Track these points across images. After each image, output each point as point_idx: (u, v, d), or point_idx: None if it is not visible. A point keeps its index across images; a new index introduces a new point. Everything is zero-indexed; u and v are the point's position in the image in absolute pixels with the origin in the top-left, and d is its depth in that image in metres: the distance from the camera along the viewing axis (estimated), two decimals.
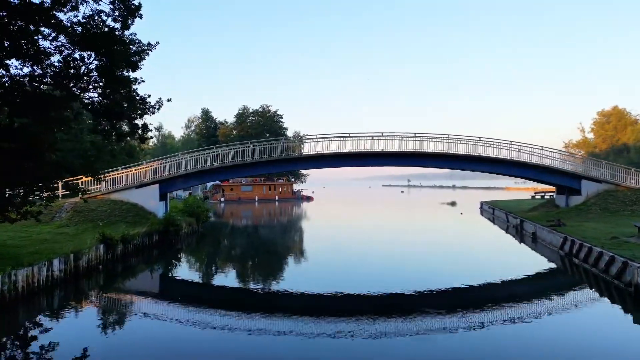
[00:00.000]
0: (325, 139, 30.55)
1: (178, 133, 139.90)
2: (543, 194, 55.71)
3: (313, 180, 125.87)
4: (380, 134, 30.28)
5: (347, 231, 36.56)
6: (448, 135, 30.50)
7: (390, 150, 29.97)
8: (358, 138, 30.63)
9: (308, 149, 31.43)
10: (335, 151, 30.00)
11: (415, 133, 30.26)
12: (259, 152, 29.67)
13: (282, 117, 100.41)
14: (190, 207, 32.39)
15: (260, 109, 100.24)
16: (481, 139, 30.53)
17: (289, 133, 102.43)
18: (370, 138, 30.67)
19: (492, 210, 44.42)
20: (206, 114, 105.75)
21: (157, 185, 28.14)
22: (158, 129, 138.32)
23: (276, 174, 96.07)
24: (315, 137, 30.64)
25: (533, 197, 56.08)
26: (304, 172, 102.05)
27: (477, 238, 32.33)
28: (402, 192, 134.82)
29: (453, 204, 64.61)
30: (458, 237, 32.14)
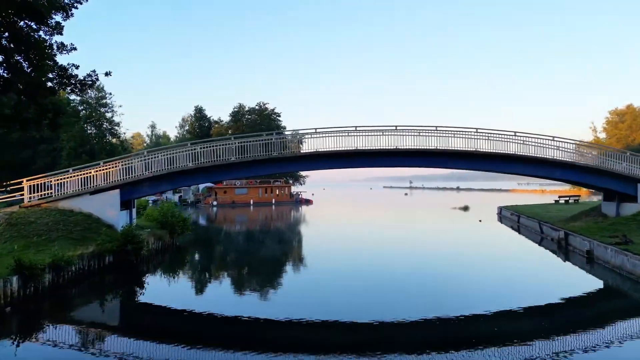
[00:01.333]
0: (327, 134, 25.01)
1: (173, 133, 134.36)
2: (567, 198, 50.32)
3: (312, 181, 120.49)
4: (394, 127, 24.73)
5: (355, 243, 31.11)
6: (477, 129, 24.97)
7: (408, 147, 24.42)
8: (366, 133, 25.09)
9: (307, 147, 25.93)
10: (338, 149, 24.47)
11: (436, 127, 24.73)
12: (246, 150, 24.11)
13: (279, 116, 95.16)
14: (164, 217, 26.82)
15: (256, 107, 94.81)
16: (517, 134, 25.02)
17: (287, 132, 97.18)
18: (381, 133, 25.12)
19: (517, 218, 38.85)
20: (199, 112, 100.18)
21: (117, 191, 22.59)
22: (151, 127, 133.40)
23: (272, 175, 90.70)
24: (314, 131, 25.11)
25: (556, 201, 50.69)
26: (303, 173, 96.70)
27: (508, 252, 26.88)
28: (406, 194, 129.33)
29: (466, 208, 59.09)
30: (486, 252, 26.71)
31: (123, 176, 22.92)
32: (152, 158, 23.33)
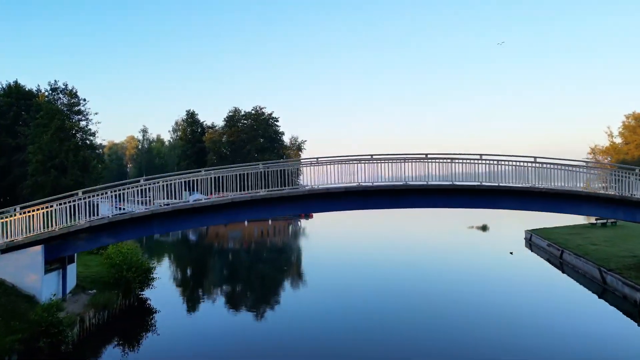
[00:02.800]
0: (333, 163, 18.68)
1: (168, 137, 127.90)
2: (605, 220, 43.80)
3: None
4: (424, 156, 18.31)
5: (364, 279, 26.04)
6: (535, 158, 18.54)
7: (441, 184, 18.00)
8: (385, 162, 18.76)
9: (305, 178, 19.80)
10: (351, 185, 18.05)
11: (481, 155, 18.34)
12: (224, 184, 17.83)
13: (277, 120, 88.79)
14: (118, 270, 20.28)
15: (252, 111, 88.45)
16: (588, 163, 18.60)
17: (286, 138, 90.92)
18: (403, 161, 18.76)
19: (559, 252, 32.36)
20: (191, 117, 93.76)
21: (39, 248, 16.20)
22: (143, 132, 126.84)
23: (268, 184, 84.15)
24: (314, 161, 18.76)
25: (594, 224, 44.20)
26: (302, 182, 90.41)
27: (563, 307, 20.92)
28: None
29: (484, 228, 52.64)
30: (535, 305, 20.71)
31: (49, 226, 16.49)
32: (90, 198, 16.88)
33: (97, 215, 16.58)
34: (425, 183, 17.98)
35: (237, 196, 17.26)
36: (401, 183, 18.06)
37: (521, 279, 28.00)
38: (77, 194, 16.91)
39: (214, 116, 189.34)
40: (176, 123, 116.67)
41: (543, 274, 29.84)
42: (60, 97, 50.90)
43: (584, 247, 30.88)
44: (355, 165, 18.63)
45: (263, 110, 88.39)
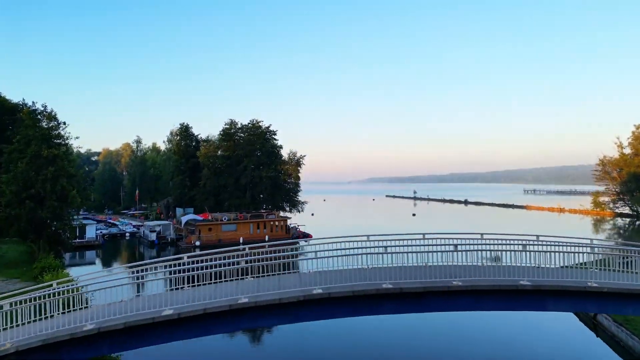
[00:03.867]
0: (334, 255, 14.83)
1: (164, 147, 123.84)
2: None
3: (308, 185, 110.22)
4: (453, 248, 14.39)
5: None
6: (591, 240, 14.62)
7: (479, 283, 14.08)
8: (395, 245, 14.89)
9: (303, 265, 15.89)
10: (355, 288, 14.10)
11: (525, 245, 14.40)
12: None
13: (275, 134, 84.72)
14: None
15: (249, 125, 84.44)
16: None
17: (284, 152, 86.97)
18: (427, 252, 14.88)
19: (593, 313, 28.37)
20: (185, 130, 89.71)
21: None
22: (136, 142, 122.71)
23: (264, 203, 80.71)
24: (313, 255, 14.84)
25: None
26: (301, 199, 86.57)
27: None
28: (414, 215, 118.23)
29: (497, 259, 48.70)
30: None
31: None
32: (21, 306, 12.90)
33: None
34: (470, 286, 13.93)
35: (212, 304, 13.32)
36: (420, 286, 14.06)
37: (552, 343, 24.33)
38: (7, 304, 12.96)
39: (209, 129, 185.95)
40: (171, 133, 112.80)
41: (575, 339, 26.10)
42: (39, 120, 46.65)
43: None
44: (364, 257, 14.77)
45: (260, 123, 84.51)
